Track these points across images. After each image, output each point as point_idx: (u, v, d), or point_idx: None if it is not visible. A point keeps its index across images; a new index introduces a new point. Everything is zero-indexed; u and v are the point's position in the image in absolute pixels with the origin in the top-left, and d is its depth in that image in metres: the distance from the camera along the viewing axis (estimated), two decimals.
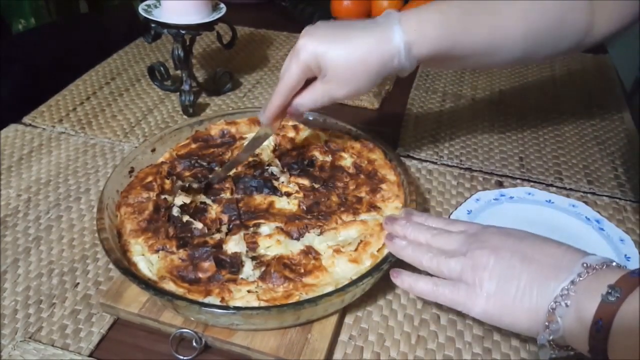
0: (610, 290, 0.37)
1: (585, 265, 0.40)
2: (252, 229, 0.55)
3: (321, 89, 0.53)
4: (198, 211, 0.57)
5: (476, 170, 0.71)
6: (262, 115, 0.56)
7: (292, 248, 0.52)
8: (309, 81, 0.54)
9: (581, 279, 0.39)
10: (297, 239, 0.54)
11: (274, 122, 0.57)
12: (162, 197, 0.57)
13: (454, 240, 0.47)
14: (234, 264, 0.50)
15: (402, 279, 0.48)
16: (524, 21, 0.53)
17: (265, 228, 0.55)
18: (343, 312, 0.51)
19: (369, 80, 0.52)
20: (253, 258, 0.51)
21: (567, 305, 0.39)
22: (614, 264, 0.40)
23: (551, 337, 0.40)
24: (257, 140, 0.59)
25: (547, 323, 0.40)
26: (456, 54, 0.53)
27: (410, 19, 0.51)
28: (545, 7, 0.53)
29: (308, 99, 0.54)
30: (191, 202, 0.57)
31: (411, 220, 0.51)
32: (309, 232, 0.54)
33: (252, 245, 0.53)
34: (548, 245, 0.44)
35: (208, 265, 0.50)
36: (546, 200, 0.64)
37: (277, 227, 0.55)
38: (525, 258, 0.43)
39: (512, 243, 0.45)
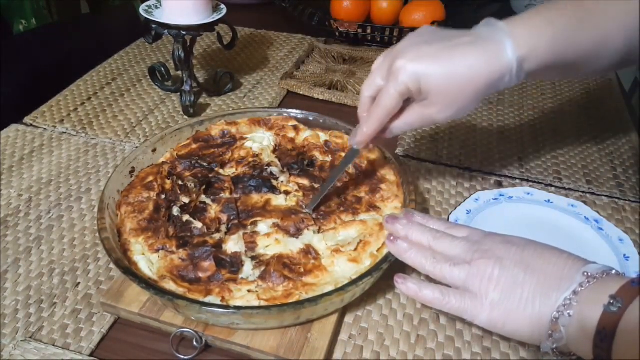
0: (612, 301, 0.37)
1: (586, 274, 0.40)
2: (250, 227, 0.55)
3: (421, 113, 0.50)
4: (198, 211, 0.57)
5: (475, 170, 0.71)
6: (354, 139, 0.54)
7: (292, 247, 0.52)
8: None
9: (583, 288, 0.39)
10: (296, 236, 0.54)
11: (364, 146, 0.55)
12: (162, 196, 0.57)
13: (457, 246, 0.47)
14: (234, 264, 0.51)
15: (408, 287, 0.47)
16: (625, 23, 0.49)
17: (263, 226, 0.55)
18: (343, 311, 0.51)
19: (475, 101, 0.48)
20: (253, 258, 0.52)
21: (570, 315, 0.39)
22: (614, 272, 0.40)
23: (555, 346, 0.41)
24: (346, 162, 0.57)
25: (550, 332, 0.40)
26: (563, 64, 0.49)
27: (521, 33, 0.47)
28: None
29: (405, 123, 0.51)
30: (191, 202, 0.57)
31: (412, 220, 0.51)
32: (307, 229, 0.54)
33: (250, 245, 0.53)
34: (550, 254, 0.44)
35: (208, 264, 0.50)
36: (545, 200, 0.64)
37: (274, 224, 0.55)
38: (528, 268, 0.43)
39: (515, 252, 0.45)
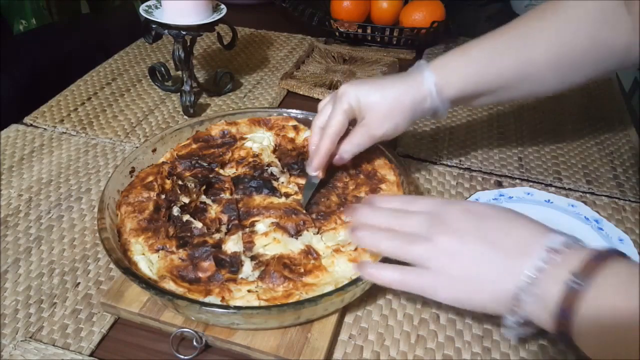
0: (574, 278, 0.37)
1: (548, 249, 0.40)
2: (248, 228, 0.55)
3: (361, 131, 0.56)
4: (198, 211, 0.57)
5: (475, 170, 0.71)
6: (310, 165, 0.59)
7: (292, 247, 0.52)
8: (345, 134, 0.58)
9: (544, 264, 0.39)
10: (295, 236, 0.54)
11: (322, 172, 0.59)
12: (162, 196, 0.57)
13: (415, 221, 0.46)
14: (234, 264, 0.51)
15: (367, 272, 0.46)
16: (555, 47, 0.55)
17: (261, 226, 0.55)
18: (343, 311, 0.51)
19: (406, 119, 0.56)
20: (252, 258, 0.52)
21: (532, 292, 0.39)
22: (576, 243, 0.40)
23: (518, 321, 0.40)
24: (309, 189, 0.59)
25: (512, 308, 0.40)
26: (485, 89, 0.57)
27: (438, 64, 0.56)
28: (577, 30, 0.54)
29: (351, 144, 0.57)
30: (191, 202, 0.57)
31: (373, 205, 0.51)
32: (307, 231, 0.54)
33: (248, 245, 0.53)
34: (511, 225, 0.43)
35: (208, 264, 0.50)
36: (545, 200, 0.64)
37: (272, 223, 0.55)
38: (489, 243, 0.42)
39: (475, 226, 0.44)
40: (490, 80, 0.56)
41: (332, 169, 0.63)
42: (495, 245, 0.42)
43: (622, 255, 0.39)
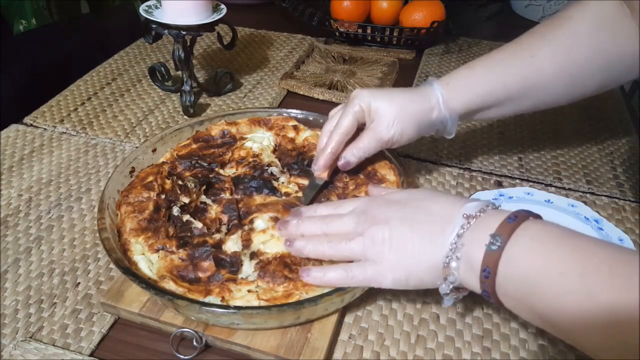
0: (492, 240, 0.40)
1: (465, 215, 0.43)
2: (247, 226, 0.55)
3: (369, 134, 0.57)
4: (198, 211, 0.57)
5: (475, 170, 0.71)
6: (315, 165, 0.59)
7: None
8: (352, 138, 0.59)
9: (464, 230, 0.42)
10: None
11: (327, 173, 0.60)
12: (162, 196, 0.57)
13: (347, 222, 0.49)
14: (234, 264, 0.51)
15: (312, 276, 0.48)
16: (560, 56, 0.56)
17: (260, 222, 0.55)
18: (343, 311, 0.51)
19: (413, 127, 0.57)
20: (252, 256, 0.51)
21: (458, 258, 0.42)
22: (490, 207, 0.43)
23: (451, 287, 0.43)
24: (312, 190, 0.59)
25: (444, 276, 0.43)
26: (492, 102, 0.58)
27: (445, 79, 0.59)
28: (581, 39, 0.55)
29: (357, 148, 0.58)
30: (191, 202, 0.57)
31: (302, 216, 0.53)
32: None
33: (246, 243, 0.53)
34: (430, 203, 0.46)
35: (208, 264, 0.50)
36: (545, 200, 0.64)
37: (271, 218, 0.55)
38: (412, 222, 0.45)
39: (398, 211, 0.47)
40: (496, 92, 0.58)
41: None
42: (420, 222, 0.45)
43: (537, 217, 0.42)
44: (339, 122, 0.58)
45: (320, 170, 0.59)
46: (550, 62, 0.56)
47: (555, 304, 0.37)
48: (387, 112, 0.56)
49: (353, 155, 0.58)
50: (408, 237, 0.45)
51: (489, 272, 0.40)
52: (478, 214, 0.42)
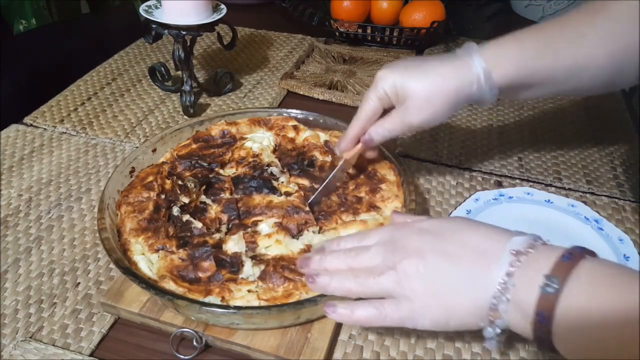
0: (547, 282, 0.36)
1: (513, 252, 0.39)
2: (250, 228, 0.55)
3: (398, 117, 0.53)
4: (198, 211, 0.57)
5: (475, 170, 0.71)
6: (339, 146, 0.58)
7: (293, 247, 0.52)
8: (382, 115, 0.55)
9: (514, 269, 0.38)
10: (296, 237, 0.54)
11: (351, 152, 0.57)
12: (162, 196, 0.57)
13: (374, 254, 0.44)
14: (234, 264, 0.51)
15: (339, 313, 0.44)
16: (610, 42, 0.51)
17: (264, 226, 0.55)
18: None
19: (447, 107, 0.52)
20: (252, 257, 0.52)
21: (508, 300, 0.38)
22: (540, 242, 0.40)
23: (498, 331, 0.39)
24: (338, 172, 0.58)
25: (491, 319, 0.39)
26: (536, 80, 0.53)
27: (489, 49, 0.52)
28: (628, 27, 0.51)
29: (383, 128, 0.54)
30: (191, 202, 0.57)
31: (324, 252, 0.48)
32: (307, 230, 0.54)
33: (251, 245, 0.53)
34: (469, 234, 0.43)
35: (208, 264, 0.50)
36: (545, 200, 0.64)
37: (275, 223, 0.55)
38: (449, 255, 0.41)
39: (432, 242, 0.43)
40: (544, 70, 0.52)
41: (333, 169, 0.63)
42: (458, 257, 0.41)
43: (591, 253, 0.38)
44: (360, 106, 0.55)
45: (343, 151, 0.58)
46: (602, 44, 0.51)
47: (630, 346, 0.32)
48: (417, 94, 0.51)
49: (378, 134, 0.55)
50: (445, 272, 0.41)
51: (543, 316, 0.36)
52: (528, 250, 0.38)
